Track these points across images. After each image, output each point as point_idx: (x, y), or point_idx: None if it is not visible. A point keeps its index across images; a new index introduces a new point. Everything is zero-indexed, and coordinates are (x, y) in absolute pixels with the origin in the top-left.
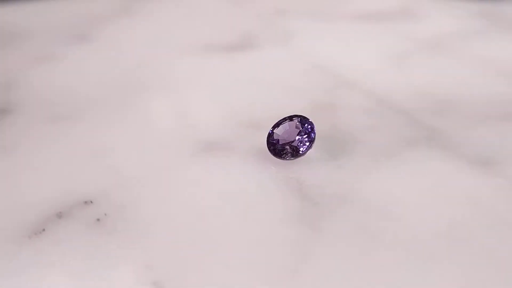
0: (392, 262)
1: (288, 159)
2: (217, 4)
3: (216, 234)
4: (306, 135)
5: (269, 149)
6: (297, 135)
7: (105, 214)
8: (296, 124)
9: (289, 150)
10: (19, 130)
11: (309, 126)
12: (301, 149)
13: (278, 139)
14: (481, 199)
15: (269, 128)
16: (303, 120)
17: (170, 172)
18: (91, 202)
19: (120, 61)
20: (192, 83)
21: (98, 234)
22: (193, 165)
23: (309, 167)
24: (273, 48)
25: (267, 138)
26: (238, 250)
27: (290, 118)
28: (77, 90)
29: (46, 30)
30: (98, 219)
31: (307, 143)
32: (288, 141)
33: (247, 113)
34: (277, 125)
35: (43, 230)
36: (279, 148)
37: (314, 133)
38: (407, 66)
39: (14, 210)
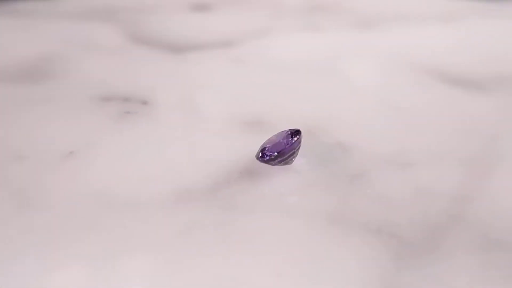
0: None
1: (265, 160)
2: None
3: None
4: (289, 143)
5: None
6: (278, 140)
7: (136, 112)
8: (282, 133)
9: (267, 152)
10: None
11: (293, 138)
12: (275, 153)
13: (265, 147)
14: None
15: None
16: (293, 132)
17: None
18: (147, 102)
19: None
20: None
21: (121, 121)
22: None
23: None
24: (493, 96)
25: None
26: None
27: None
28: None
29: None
30: (128, 112)
31: (286, 146)
32: (269, 145)
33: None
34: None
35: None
36: (261, 154)
37: (292, 142)
38: None
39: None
